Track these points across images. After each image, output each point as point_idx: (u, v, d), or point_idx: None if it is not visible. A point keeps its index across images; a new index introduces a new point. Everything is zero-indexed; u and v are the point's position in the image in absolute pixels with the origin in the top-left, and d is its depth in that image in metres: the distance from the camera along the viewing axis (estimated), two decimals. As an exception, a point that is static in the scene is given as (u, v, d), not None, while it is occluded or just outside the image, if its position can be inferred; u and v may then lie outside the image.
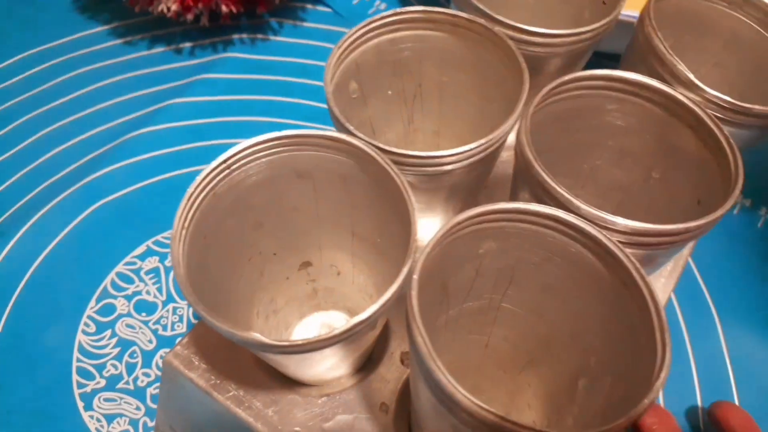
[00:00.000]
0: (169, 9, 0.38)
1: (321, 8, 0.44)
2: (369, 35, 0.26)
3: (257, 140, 0.22)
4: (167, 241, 0.33)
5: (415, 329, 0.17)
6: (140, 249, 0.33)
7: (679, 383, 0.31)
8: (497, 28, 0.25)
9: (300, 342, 0.18)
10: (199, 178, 0.21)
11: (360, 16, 0.44)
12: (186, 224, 0.20)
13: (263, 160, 0.22)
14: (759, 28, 0.28)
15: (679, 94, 0.24)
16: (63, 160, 0.36)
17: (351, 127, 0.22)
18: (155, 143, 0.37)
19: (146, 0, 0.39)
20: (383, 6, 0.44)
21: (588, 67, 0.28)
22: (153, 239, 0.34)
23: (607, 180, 0.27)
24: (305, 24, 0.43)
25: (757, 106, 0.24)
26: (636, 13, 0.28)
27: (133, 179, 0.36)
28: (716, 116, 0.24)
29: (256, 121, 0.39)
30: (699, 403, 0.31)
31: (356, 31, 0.25)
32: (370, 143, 0.22)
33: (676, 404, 0.31)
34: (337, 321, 0.29)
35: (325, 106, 0.23)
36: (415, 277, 0.18)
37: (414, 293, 0.18)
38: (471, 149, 0.22)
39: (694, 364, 0.32)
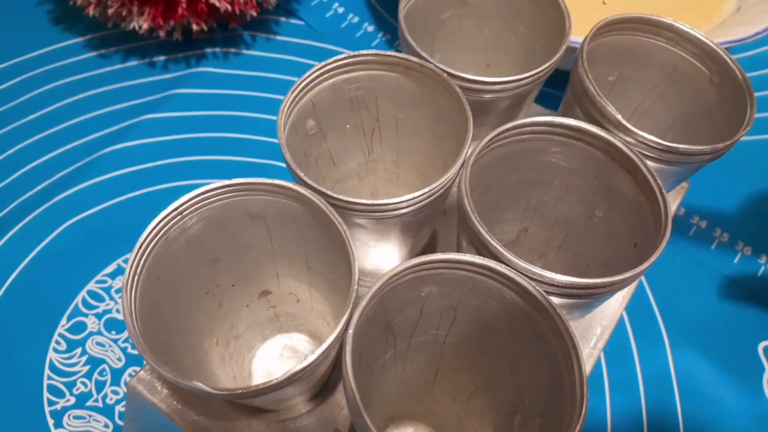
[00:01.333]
0: (140, 27, 0.39)
1: (294, 21, 0.45)
2: (324, 76, 0.27)
3: (208, 188, 0.23)
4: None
5: (348, 385, 0.19)
6: (111, 267, 0.34)
7: (627, 396, 0.33)
8: (445, 75, 0.26)
9: (240, 391, 0.19)
10: (150, 227, 0.22)
11: (332, 29, 0.44)
12: (138, 271, 0.21)
13: (215, 204, 0.23)
14: (696, 63, 0.29)
15: (617, 140, 0.25)
16: (34, 177, 0.37)
17: (301, 174, 0.23)
18: (128, 159, 0.38)
19: (118, 16, 0.39)
20: (356, 20, 0.45)
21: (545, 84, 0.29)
22: (123, 257, 0.35)
23: (554, 215, 0.28)
24: (278, 37, 0.44)
25: (682, 146, 0.25)
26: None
27: (105, 196, 0.37)
28: (647, 155, 0.26)
29: (229, 137, 0.39)
30: (644, 419, 0.32)
31: (311, 74, 0.26)
32: (317, 190, 0.23)
33: (622, 418, 0.32)
34: (300, 343, 0.30)
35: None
36: (350, 331, 0.19)
37: (348, 348, 0.19)
38: (416, 197, 0.23)
39: (641, 379, 0.33)
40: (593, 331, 0.30)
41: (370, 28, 0.45)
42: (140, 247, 0.21)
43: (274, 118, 0.41)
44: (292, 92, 0.26)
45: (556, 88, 0.39)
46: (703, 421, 0.32)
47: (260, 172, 0.38)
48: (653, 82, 0.30)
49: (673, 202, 0.35)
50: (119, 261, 0.34)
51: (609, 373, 0.33)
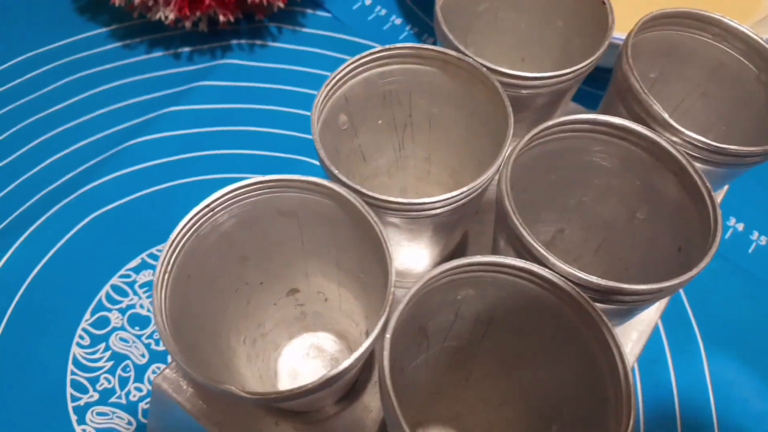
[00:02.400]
0: (166, 17, 0.38)
1: (321, 13, 0.44)
2: (358, 70, 0.26)
3: (240, 185, 0.22)
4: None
5: (386, 392, 0.18)
6: (135, 261, 0.34)
7: (661, 403, 0.32)
8: (485, 69, 0.25)
9: (273, 395, 0.19)
10: (182, 223, 0.21)
11: (360, 21, 0.44)
12: (169, 269, 0.21)
13: (247, 201, 0.23)
14: (742, 59, 0.28)
15: (663, 140, 0.24)
16: (58, 169, 0.37)
17: (336, 172, 0.23)
18: (152, 152, 0.38)
19: (144, 6, 0.39)
20: (383, 12, 0.44)
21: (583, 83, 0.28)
22: (148, 252, 0.34)
23: (593, 216, 0.27)
24: (304, 29, 0.43)
25: (732, 147, 0.24)
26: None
27: (129, 189, 0.36)
28: (694, 155, 0.25)
29: (253, 131, 0.39)
30: (678, 427, 0.31)
31: (345, 67, 0.25)
32: (352, 188, 0.22)
33: (656, 427, 0.31)
34: (326, 342, 0.30)
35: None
36: (388, 336, 0.19)
37: (386, 354, 0.18)
38: (453, 197, 0.22)
39: (675, 389, 0.32)
40: (629, 337, 0.29)
41: (398, 21, 0.44)
42: (171, 244, 0.21)
43: (300, 111, 0.40)
44: (326, 86, 0.25)
45: (592, 86, 0.38)
46: (739, 429, 0.31)
47: (285, 167, 0.37)
48: (696, 80, 0.29)
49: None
50: (143, 255, 0.34)
51: (642, 380, 0.32)
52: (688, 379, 0.32)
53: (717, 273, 0.35)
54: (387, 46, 0.26)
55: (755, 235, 0.36)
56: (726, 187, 0.33)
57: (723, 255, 0.36)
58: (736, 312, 0.34)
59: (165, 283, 0.20)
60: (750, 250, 0.36)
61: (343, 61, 0.42)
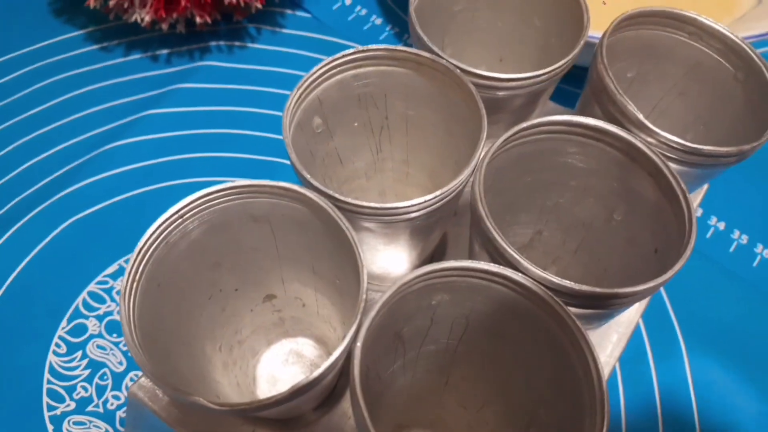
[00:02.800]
0: (143, 19, 0.38)
1: (300, 13, 0.44)
2: (332, 72, 0.26)
3: (210, 191, 0.22)
4: (139, 261, 0.34)
5: (356, 400, 0.18)
6: (112, 268, 0.33)
7: (642, 404, 0.32)
8: (458, 71, 0.25)
9: (243, 406, 0.18)
10: (149, 232, 0.21)
11: (339, 22, 0.43)
12: (137, 278, 0.20)
13: (217, 207, 0.22)
14: (719, 58, 0.28)
15: (638, 141, 0.23)
16: (35, 173, 0.36)
17: (307, 176, 0.22)
18: (130, 156, 0.37)
19: (120, 8, 0.38)
20: (363, 12, 0.44)
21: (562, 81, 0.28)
22: (125, 258, 0.34)
23: (570, 217, 0.27)
24: (284, 30, 0.43)
25: (706, 147, 0.24)
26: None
27: (107, 194, 0.36)
28: (670, 156, 0.24)
29: (233, 134, 0.38)
30: (660, 427, 0.31)
31: (318, 70, 0.25)
32: (324, 193, 0.22)
33: (638, 428, 0.31)
34: (305, 348, 0.30)
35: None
36: (358, 344, 0.18)
37: (357, 362, 0.18)
38: (427, 200, 0.22)
39: (657, 389, 0.32)
40: (609, 339, 0.29)
41: (378, 21, 0.43)
42: (139, 253, 0.20)
43: (280, 114, 0.39)
44: (298, 89, 0.25)
45: (571, 84, 0.38)
46: (721, 429, 0.31)
47: (266, 170, 0.37)
48: (674, 79, 0.29)
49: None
50: (121, 261, 0.34)
51: (624, 381, 0.32)
52: (669, 378, 0.32)
53: (698, 272, 0.35)
54: (360, 48, 0.26)
55: (736, 233, 0.36)
56: (706, 186, 0.33)
57: (704, 254, 0.36)
58: (717, 311, 0.34)
59: (132, 293, 0.20)
60: (731, 249, 0.36)
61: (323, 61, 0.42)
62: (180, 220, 0.21)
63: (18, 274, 0.33)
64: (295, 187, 0.22)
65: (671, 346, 0.33)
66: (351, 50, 0.25)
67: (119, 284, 0.33)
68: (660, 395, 0.32)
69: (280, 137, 0.39)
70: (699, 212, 0.37)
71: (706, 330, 0.33)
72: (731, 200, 0.37)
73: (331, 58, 0.25)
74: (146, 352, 0.19)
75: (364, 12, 0.44)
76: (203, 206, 0.22)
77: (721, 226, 0.36)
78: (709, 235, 0.36)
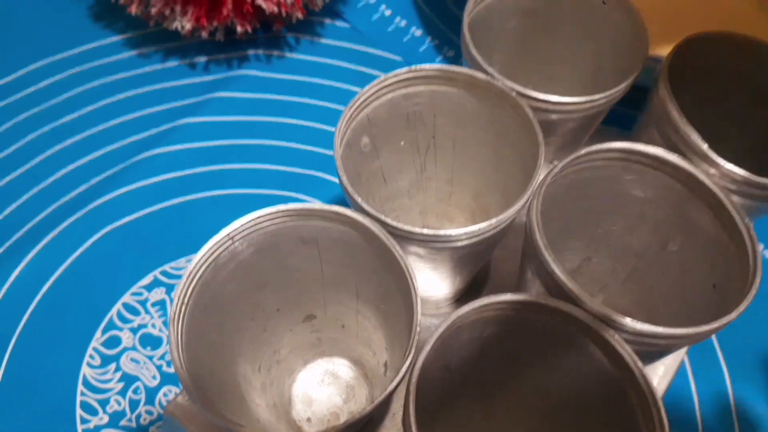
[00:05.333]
0: (183, 27, 0.37)
1: (340, 23, 0.43)
2: (382, 91, 0.25)
3: (261, 214, 0.21)
4: (175, 272, 0.33)
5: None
6: (147, 279, 0.33)
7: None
8: (514, 94, 0.24)
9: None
10: (200, 254, 0.20)
11: (379, 33, 0.43)
12: (186, 300, 0.20)
13: (267, 230, 0.22)
14: None
15: (700, 172, 0.23)
16: (71, 181, 0.36)
17: (359, 201, 0.22)
18: (167, 165, 0.37)
19: (161, 15, 0.38)
20: (403, 23, 0.43)
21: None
22: (161, 269, 0.33)
23: (622, 245, 0.27)
24: (323, 40, 0.42)
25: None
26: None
27: (142, 204, 0.35)
28: (732, 188, 0.24)
29: (269, 145, 0.38)
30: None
31: (369, 89, 0.25)
32: (376, 219, 0.21)
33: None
34: (341, 369, 0.29)
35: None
36: (414, 381, 0.18)
37: (412, 398, 0.18)
38: (481, 229, 0.21)
39: (700, 417, 0.31)
40: (656, 372, 0.28)
41: (418, 33, 0.43)
42: (189, 276, 0.20)
43: (318, 125, 0.39)
44: (350, 108, 0.24)
45: (623, 104, 0.37)
46: (766, 465, 0.30)
47: (302, 183, 0.37)
48: (733, 105, 0.28)
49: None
50: (156, 272, 0.33)
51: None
52: (713, 408, 0.31)
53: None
54: (413, 68, 0.25)
55: (784, 261, 0.35)
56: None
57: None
58: (764, 344, 0.33)
59: (181, 317, 0.20)
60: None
61: (362, 73, 0.41)
62: (230, 242, 0.21)
63: (53, 283, 0.33)
64: (348, 212, 0.21)
65: (715, 375, 0.32)
66: (404, 70, 0.25)
67: (154, 296, 0.33)
68: (703, 425, 0.31)
69: (318, 149, 0.39)
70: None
71: (752, 362, 0.32)
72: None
73: (383, 78, 0.25)
74: (192, 378, 0.19)
75: (404, 23, 0.43)
76: (254, 228, 0.21)
77: (769, 253, 0.36)
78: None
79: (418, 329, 0.19)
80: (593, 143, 0.29)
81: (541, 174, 0.23)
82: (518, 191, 0.23)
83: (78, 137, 0.38)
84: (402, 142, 0.28)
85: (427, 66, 0.25)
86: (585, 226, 0.26)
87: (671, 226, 0.24)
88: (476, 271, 0.29)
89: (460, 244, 0.22)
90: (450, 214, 0.32)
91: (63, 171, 0.37)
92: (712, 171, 0.23)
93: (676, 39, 0.26)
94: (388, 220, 0.21)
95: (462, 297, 0.30)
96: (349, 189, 0.22)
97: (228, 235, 0.21)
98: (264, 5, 0.36)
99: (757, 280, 0.20)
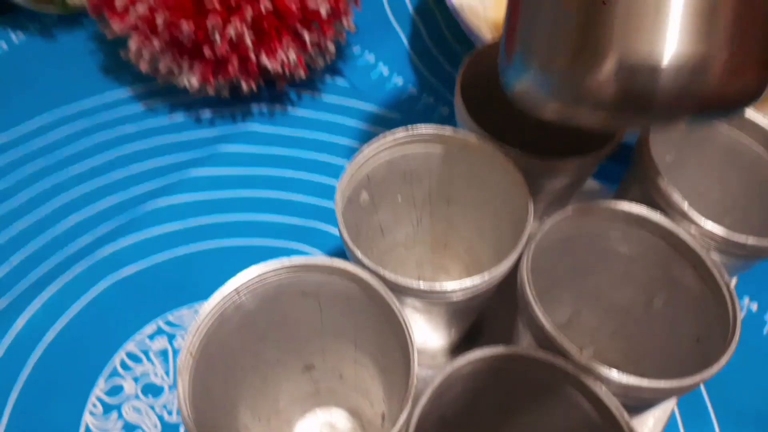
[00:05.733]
0: (190, 84, 0.39)
1: (340, 81, 0.45)
2: (381, 151, 0.27)
3: (267, 269, 0.22)
4: (177, 321, 0.34)
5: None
6: (150, 328, 0.34)
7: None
8: (503, 154, 0.25)
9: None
10: (208, 307, 0.21)
11: (377, 90, 0.44)
12: (194, 352, 0.21)
13: (271, 283, 0.23)
14: (759, 145, 0.28)
15: (681, 231, 0.24)
16: (77, 231, 0.37)
17: (359, 255, 0.23)
18: (170, 216, 0.38)
19: (169, 73, 0.40)
20: (400, 81, 0.45)
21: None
22: (163, 318, 0.34)
23: (609, 300, 0.28)
24: (323, 97, 0.44)
25: (750, 240, 0.24)
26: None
27: (147, 253, 0.37)
28: (713, 245, 0.25)
29: (271, 197, 0.39)
30: None
31: (368, 150, 0.26)
32: (375, 273, 0.22)
33: None
34: (339, 420, 0.30)
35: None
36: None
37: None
38: (475, 284, 0.22)
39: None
40: (645, 424, 0.28)
41: (414, 90, 0.45)
42: (198, 328, 0.21)
43: (318, 178, 0.40)
44: (350, 168, 0.26)
45: (611, 159, 0.39)
46: None
47: (302, 234, 0.38)
48: (713, 165, 0.30)
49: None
50: (159, 321, 0.34)
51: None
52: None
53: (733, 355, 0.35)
54: (410, 131, 0.26)
55: (770, 314, 0.36)
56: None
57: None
58: (752, 395, 0.34)
59: (189, 368, 0.20)
60: (765, 331, 0.36)
61: (361, 129, 0.43)
62: (236, 296, 0.22)
63: (59, 331, 0.33)
64: (349, 266, 0.22)
65: (706, 430, 0.32)
66: (401, 132, 0.26)
67: (157, 344, 0.33)
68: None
69: (318, 201, 0.40)
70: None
71: (741, 414, 0.33)
72: (765, 280, 0.37)
73: (382, 138, 0.26)
74: (198, 428, 0.20)
75: (401, 81, 0.45)
76: (259, 283, 0.22)
77: (754, 306, 0.36)
78: (742, 317, 0.36)
79: (415, 382, 0.20)
80: (582, 199, 0.31)
81: (530, 230, 0.24)
82: (510, 246, 0.24)
83: (84, 188, 0.39)
84: (399, 198, 0.29)
85: (422, 127, 0.26)
86: (575, 280, 0.28)
87: (656, 282, 0.26)
88: (471, 322, 0.30)
89: (454, 298, 0.23)
90: (445, 265, 0.33)
91: (69, 221, 0.38)
92: (694, 229, 0.24)
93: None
94: (387, 274, 0.22)
95: (458, 347, 0.31)
96: (350, 244, 0.23)
97: (235, 289, 0.22)
98: (268, 65, 0.38)
99: (737, 335, 0.21)
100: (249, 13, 0.35)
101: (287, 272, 0.23)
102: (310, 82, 0.45)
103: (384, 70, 0.46)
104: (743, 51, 0.17)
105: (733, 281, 0.33)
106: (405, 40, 0.48)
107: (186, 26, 0.35)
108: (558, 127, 0.21)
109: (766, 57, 0.17)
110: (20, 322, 0.34)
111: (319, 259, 0.23)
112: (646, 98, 0.17)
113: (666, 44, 0.16)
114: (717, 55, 0.17)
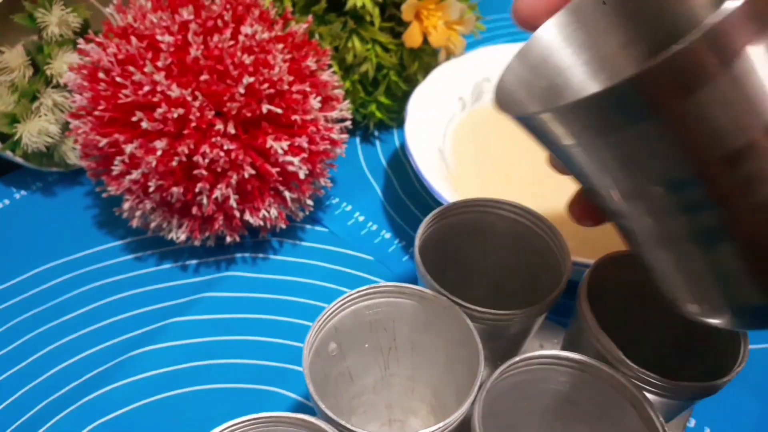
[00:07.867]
0: (178, 237, 0.43)
1: (318, 228, 0.49)
2: (347, 304, 0.29)
3: (235, 424, 0.24)
4: (159, 468, 0.35)
5: None
6: (132, 475, 0.35)
7: None
8: (457, 308, 0.28)
9: None
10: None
11: (353, 235, 0.48)
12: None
13: (242, 435, 0.25)
14: None
15: (620, 375, 0.26)
16: (65, 377, 0.39)
17: (323, 407, 0.25)
18: (156, 362, 0.40)
19: (159, 227, 0.43)
20: (374, 227, 0.49)
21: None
22: (145, 464, 0.35)
23: (565, 440, 0.29)
24: (304, 243, 0.48)
25: (684, 383, 0.26)
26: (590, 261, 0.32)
27: (131, 398, 0.38)
28: (651, 389, 0.27)
29: (253, 341, 0.41)
30: None
31: (335, 304, 0.29)
32: (340, 426, 0.24)
33: None
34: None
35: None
36: None
37: None
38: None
39: None
40: None
41: (387, 235, 0.48)
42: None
43: (299, 321, 0.43)
44: (318, 321, 0.28)
45: (566, 296, 0.41)
46: None
47: (282, 377, 0.40)
48: (654, 313, 0.32)
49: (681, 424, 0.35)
50: (141, 468, 0.35)
51: None
52: None
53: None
54: (372, 285, 0.29)
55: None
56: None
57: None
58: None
59: None
60: None
61: (338, 271, 0.46)
62: (208, 449, 0.24)
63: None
64: (313, 420, 0.24)
65: None
66: (365, 287, 0.29)
67: (135, 493, 0.34)
68: None
69: (298, 344, 0.42)
70: (692, 423, 0.39)
71: None
72: (722, 410, 0.39)
73: (347, 294, 0.29)
74: None
75: (374, 227, 0.49)
76: None
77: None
78: None
79: None
80: (536, 340, 0.33)
81: (482, 378, 0.26)
82: (468, 391, 0.26)
83: (73, 336, 0.42)
84: (366, 345, 0.32)
85: (384, 283, 0.29)
86: (530, 422, 0.29)
87: (603, 423, 0.28)
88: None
89: (412, 446, 0.25)
90: (414, 407, 0.35)
91: (57, 367, 0.40)
92: (630, 374, 0.27)
93: (598, 253, 0.31)
94: (349, 426, 0.24)
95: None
96: (315, 397, 0.25)
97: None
98: (251, 220, 0.42)
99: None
100: (234, 179, 0.39)
101: (257, 426, 0.24)
102: (291, 231, 0.48)
103: (359, 217, 0.50)
104: None
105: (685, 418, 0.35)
106: (379, 191, 0.52)
107: (176, 190, 0.39)
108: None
109: None
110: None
111: (286, 414, 0.25)
112: None
113: None
114: None
